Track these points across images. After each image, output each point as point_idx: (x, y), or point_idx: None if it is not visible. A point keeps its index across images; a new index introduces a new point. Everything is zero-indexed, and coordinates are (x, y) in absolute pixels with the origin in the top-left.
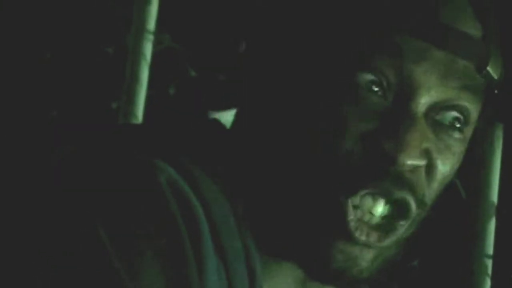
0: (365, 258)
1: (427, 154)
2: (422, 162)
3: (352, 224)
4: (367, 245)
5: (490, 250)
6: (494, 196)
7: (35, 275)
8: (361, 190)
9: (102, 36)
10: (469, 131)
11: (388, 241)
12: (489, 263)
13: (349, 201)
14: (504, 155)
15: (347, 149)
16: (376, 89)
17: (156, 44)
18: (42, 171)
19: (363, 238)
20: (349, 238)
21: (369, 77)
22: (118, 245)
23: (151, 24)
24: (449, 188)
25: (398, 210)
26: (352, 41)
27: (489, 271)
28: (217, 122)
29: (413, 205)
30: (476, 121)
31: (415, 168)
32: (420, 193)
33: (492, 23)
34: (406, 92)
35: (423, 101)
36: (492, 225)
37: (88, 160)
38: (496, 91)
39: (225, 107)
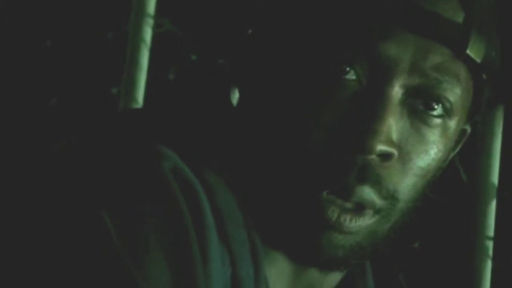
0: (350, 244)
1: (399, 143)
2: (391, 150)
3: (325, 207)
4: (345, 231)
5: (491, 232)
6: (495, 178)
7: (43, 265)
8: (324, 190)
9: (102, 21)
10: (453, 120)
11: (360, 223)
12: (490, 244)
13: (319, 196)
14: (504, 138)
15: (316, 142)
16: (349, 74)
17: (155, 28)
18: (44, 161)
19: (334, 218)
20: (327, 224)
21: (341, 62)
22: (122, 234)
23: (151, 8)
24: (450, 171)
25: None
26: (324, 28)
27: (490, 252)
28: (220, 108)
29: (376, 200)
30: (466, 105)
31: (385, 160)
32: (387, 187)
33: (477, 8)
34: (380, 75)
35: (398, 84)
36: (492, 207)
37: (91, 149)
38: (484, 75)
39: (226, 92)
